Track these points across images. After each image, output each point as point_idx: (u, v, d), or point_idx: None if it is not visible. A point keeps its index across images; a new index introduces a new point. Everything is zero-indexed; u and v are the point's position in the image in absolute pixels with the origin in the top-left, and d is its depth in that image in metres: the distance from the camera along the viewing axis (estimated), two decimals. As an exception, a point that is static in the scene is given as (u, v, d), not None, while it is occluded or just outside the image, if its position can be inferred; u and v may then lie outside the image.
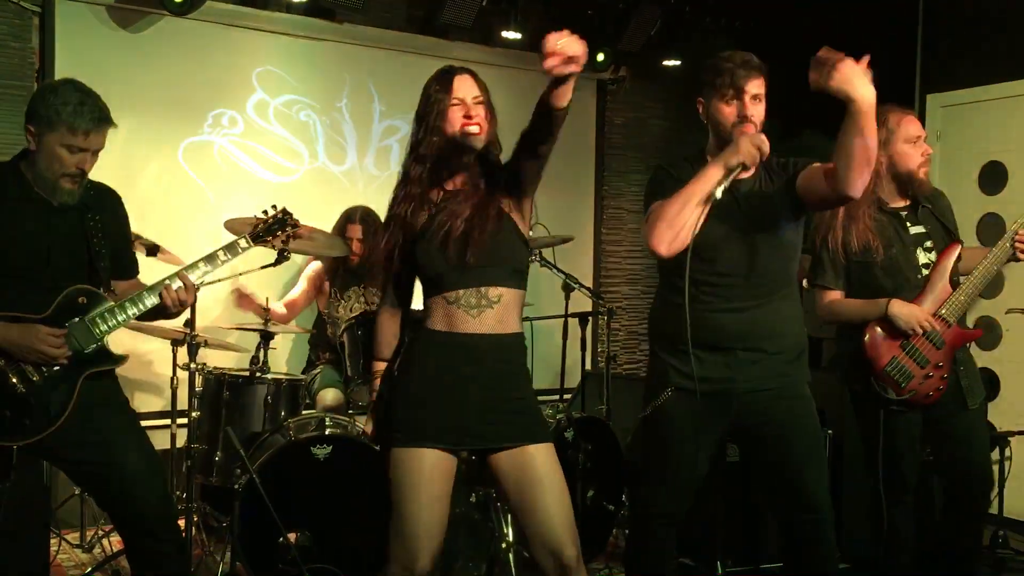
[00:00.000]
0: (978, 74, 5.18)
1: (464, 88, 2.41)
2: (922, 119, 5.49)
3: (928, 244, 3.18)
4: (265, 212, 2.95)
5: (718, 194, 2.47)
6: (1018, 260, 3.18)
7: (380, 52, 5.21)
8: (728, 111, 2.66)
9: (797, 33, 5.93)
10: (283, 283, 4.82)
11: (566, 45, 2.00)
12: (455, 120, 2.39)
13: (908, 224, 3.18)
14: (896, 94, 5.72)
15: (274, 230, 2.89)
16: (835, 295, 3.19)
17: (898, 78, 5.70)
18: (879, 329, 3.10)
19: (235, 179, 4.88)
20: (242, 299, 4.50)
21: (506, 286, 2.40)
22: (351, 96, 5.18)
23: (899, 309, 3.07)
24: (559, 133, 2.27)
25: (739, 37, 6.22)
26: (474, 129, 2.38)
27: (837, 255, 3.16)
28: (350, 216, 4.56)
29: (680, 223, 2.50)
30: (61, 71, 4.33)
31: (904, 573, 3.26)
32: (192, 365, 3.68)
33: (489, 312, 2.38)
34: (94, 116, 2.56)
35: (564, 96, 2.15)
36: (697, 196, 2.50)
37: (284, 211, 2.93)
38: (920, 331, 3.07)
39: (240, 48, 4.88)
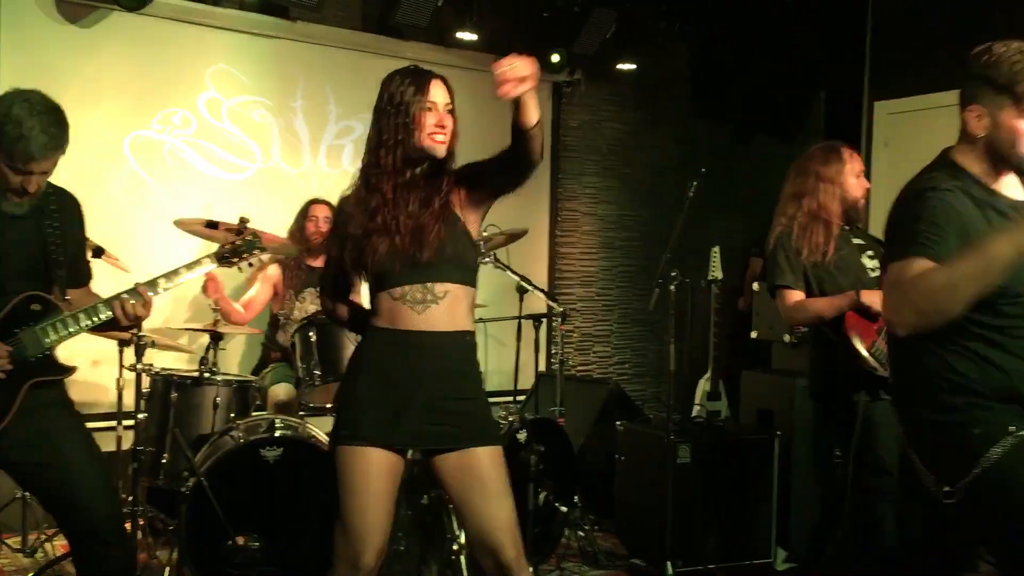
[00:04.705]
0: (925, 83, 5.29)
1: (439, 94, 2.41)
2: (870, 126, 5.63)
3: (870, 253, 3.38)
4: (232, 230, 2.89)
5: None
6: None
7: (335, 51, 5.18)
8: None
9: (749, 40, 6.04)
10: (234, 286, 4.76)
11: (515, 69, 2.06)
12: (425, 124, 2.38)
13: (851, 237, 3.39)
14: (846, 101, 5.87)
15: (241, 253, 2.85)
16: (799, 295, 3.29)
17: (848, 86, 5.81)
18: (855, 317, 3.21)
19: (185, 176, 4.81)
20: (211, 283, 4.31)
21: (453, 282, 2.40)
22: (306, 96, 5.13)
23: (871, 296, 3.19)
24: (539, 151, 2.28)
25: (692, 43, 6.30)
26: (441, 139, 2.39)
27: (793, 257, 3.28)
28: (314, 199, 4.60)
29: (947, 310, 2.05)
30: (7, 66, 4.23)
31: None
32: (139, 366, 3.62)
33: (435, 308, 2.37)
34: (39, 145, 2.46)
35: (529, 114, 2.19)
36: (977, 281, 2.03)
37: (254, 234, 2.89)
38: None
39: (192, 45, 4.81)
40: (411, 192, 2.42)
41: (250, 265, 2.91)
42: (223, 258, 2.83)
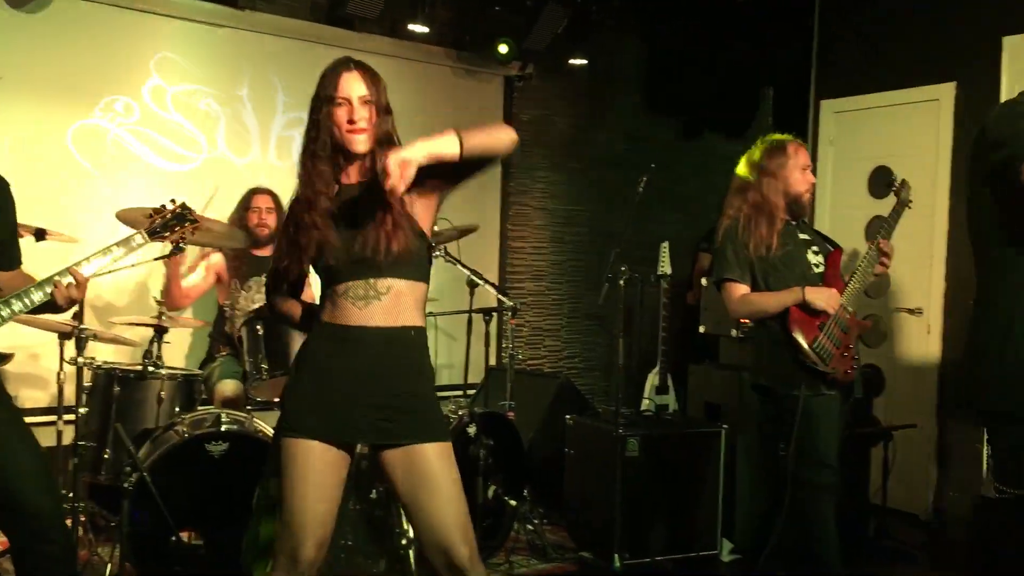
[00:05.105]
0: (870, 82, 5.39)
1: (350, 87, 2.34)
2: (816, 125, 5.71)
3: (815, 248, 3.45)
4: (163, 206, 2.85)
5: None
6: (883, 267, 3.44)
7: (283, 42, 5.10)
8: None
9: (699, 37, 6.10)
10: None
11: (391, 174, 2.13)
12: (339, 122, 2.34)
13: (797, 232, 3.44)
14: (792, 100, 5.95)
15: (172, 226, 2.80)
16: (744, 289, 3.34)
17: (795, 84, 5.89)
18: (799, 313, 3.26)
19: (129, 166, 4.71)
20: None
21: (398, 278, 2.36)
22: (252, 85, 5.06)
23: (815, 294, 3.26)
24: (494, 145, 2.32)
25: (644, 39, 6.34)
26: (358, 135, 2.34)
27: (741, 251, 3.33)
28: (255, 189, 4.55)
29: None
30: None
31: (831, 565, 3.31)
32: (80, 359, 3.54)
33: (376, 304, 2.34)
34: None
35: (447, 153, 2.21)
36: None
37: (183, 206, 2.84)
38: (835, 312, 3.26)
39: (137, 32, 4.71)
40: (350, 188, 2.40)
41: (182, 239, 2.86)
42: (154, 232, 2.78)
